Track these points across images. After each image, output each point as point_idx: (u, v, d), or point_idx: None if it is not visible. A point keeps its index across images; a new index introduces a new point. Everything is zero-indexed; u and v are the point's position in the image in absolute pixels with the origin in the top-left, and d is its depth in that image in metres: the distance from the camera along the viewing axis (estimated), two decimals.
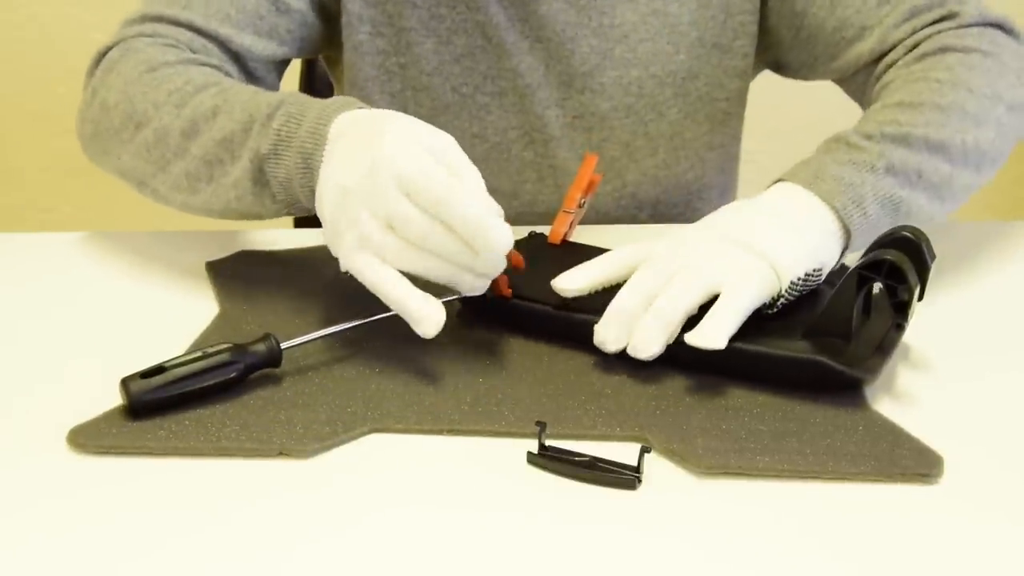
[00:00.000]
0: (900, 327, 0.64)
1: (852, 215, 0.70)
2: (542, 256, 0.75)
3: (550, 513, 0.54)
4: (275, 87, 0.93)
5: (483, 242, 0.61)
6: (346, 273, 0.64)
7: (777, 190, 0.72)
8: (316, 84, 1.19)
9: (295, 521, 0.53)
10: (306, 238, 0.85)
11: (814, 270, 0.67)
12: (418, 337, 0.63)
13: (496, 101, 0.94)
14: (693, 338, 0.61)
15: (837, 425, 0.60)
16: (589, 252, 0.74)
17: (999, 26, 0.86)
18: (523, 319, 0.69)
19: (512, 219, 0.97)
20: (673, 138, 0.97)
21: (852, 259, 0.69)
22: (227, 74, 0.83)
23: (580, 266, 0.69)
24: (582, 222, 0.83)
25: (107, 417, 0.60)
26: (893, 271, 0.62)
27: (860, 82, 0.91)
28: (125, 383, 0.60)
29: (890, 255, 0.62)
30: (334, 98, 0.70)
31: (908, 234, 0.64)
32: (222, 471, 0.57)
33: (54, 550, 0.51)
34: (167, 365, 0.60)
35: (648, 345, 0.63)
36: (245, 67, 0.88)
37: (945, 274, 0.81)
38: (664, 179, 0.98)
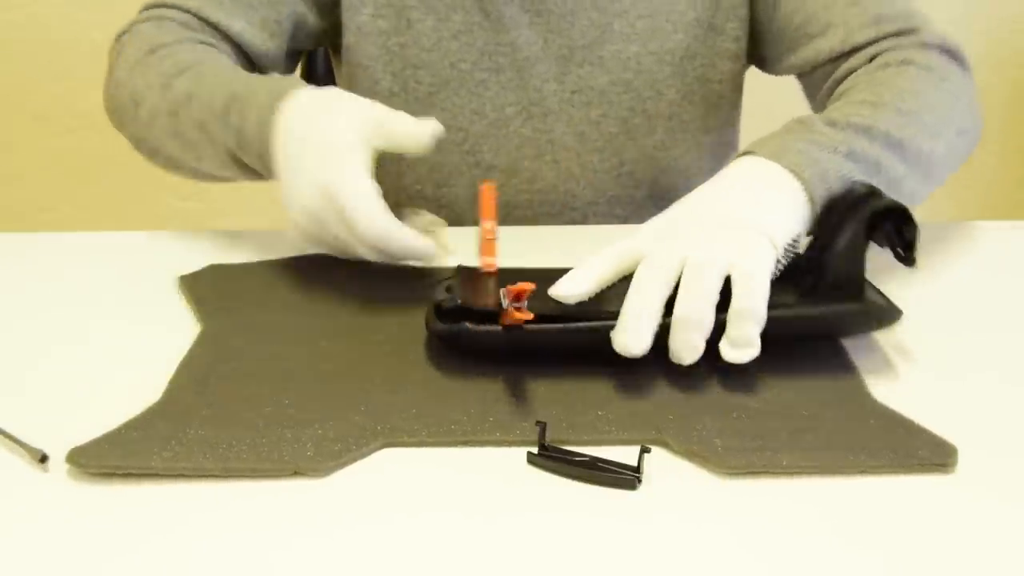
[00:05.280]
0: (914, 262, 0.69)
1: (817, 188, 0.72)
2: (491, 282, 0.71)
3: (555, 513, 0.55)
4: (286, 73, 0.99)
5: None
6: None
7: (745, 164, 0.75)
8: (316, 78, 1.19)
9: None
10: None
11: (794, 239, 0.70)
12: (412, 348, 0.66)
13: (494, 77, 0.96)
14: (729, 355, 0.64)
15: (848, 419, 0.62)
16: (533, 275, 0.71)
17: (954, 54, 0.90)
18: (533, 345, 0.65)
19: (511, 196, 1.01)
20: (671, 119, 1.00)
21: None
22: (224, 53, 0.91)
23: (573, 271, 0.68)
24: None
25: (108, 438, 0.59)
26: (892, 214, 0.68)
27: (818, 79, 0.95)
28: None
29: (887, 201, 0.68)
30: (274, 83, 0.79)
31: (863, 188, 0.70)
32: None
33: None
34: None
35: (693, 352, 0.64)
36: (244, 53, 0.94)
37: (945, 274, 0.82)
38: (662, 160, 1.01)
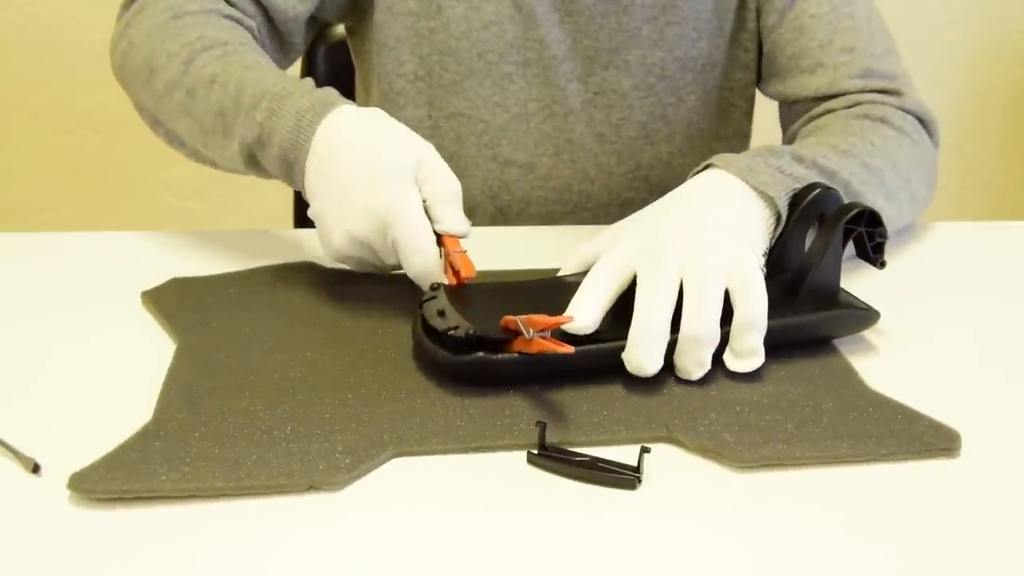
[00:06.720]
0: (884, 264, 0.73)
1: (784, 207, 0.74)
2: (476, 300, 0.69)
3: (555, 513, 0.55)
4: (302, 45, 0.98)
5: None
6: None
7: (712, 176, 0.75)
8: (317, 78, 1.19)
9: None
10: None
11: (765, 252, 0.72)
12: (400, 357, 0.67)
13: (520, 71, 0.97)
14: (735, 365, 0.66)
15: (848, 408, 0.63)
16: (507, 286, 0.72)
17: (928, 125, 0.93)
18: (549, 369, 0.66)
19: (526, 192, 1.02)
20: (690, 126, 1.02)
21: None
22: (248, 29, 0.90)
23: (577, 299, 0.66)
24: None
25: (106, 461, 0.57)
26: (860, 218, 0.72)
27: (796, 112, 0.97)
28: None
29: (860, 205, 0.71)
30: (315, 95, 0.75)
31: (820, 189, 0.73)
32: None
33: None
34: None
35: (701, 368, 0.65)
36: (270, 19, 0.93)
37: (945, 274, 0.82)
38: (678, 167, 1.03)
